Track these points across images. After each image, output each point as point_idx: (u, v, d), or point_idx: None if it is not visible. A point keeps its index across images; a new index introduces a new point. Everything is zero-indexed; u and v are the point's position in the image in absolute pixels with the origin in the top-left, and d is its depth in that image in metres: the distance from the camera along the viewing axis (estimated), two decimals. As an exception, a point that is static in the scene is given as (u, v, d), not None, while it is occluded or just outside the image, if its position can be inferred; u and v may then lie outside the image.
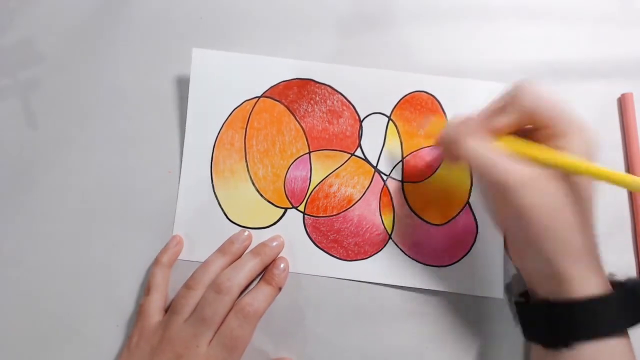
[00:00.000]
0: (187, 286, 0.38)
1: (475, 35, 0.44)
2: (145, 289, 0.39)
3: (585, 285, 0.31)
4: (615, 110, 0.43)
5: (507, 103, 0.33)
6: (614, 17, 0.45)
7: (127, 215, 0.42)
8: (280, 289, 0.39)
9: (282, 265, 0.39)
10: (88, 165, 0.42)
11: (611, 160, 0.42)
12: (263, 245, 0.40)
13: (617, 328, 0.32)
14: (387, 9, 0.44)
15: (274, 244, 0.40)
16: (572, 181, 0.31)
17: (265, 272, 0.40)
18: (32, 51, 0.44)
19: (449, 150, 0.35)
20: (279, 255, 0.40)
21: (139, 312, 0.38)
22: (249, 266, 0.38)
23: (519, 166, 0.32)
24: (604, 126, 0.43)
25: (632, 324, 0.32)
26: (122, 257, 0.41)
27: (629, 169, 0.42)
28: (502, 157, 0.32)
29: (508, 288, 0.40)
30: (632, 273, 0.41)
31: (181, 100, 0.43)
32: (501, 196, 0.32)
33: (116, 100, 0.43)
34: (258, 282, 0.39)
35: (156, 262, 0.40)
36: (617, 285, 0.33)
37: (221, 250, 0.40)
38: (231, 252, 0.40)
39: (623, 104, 0.43)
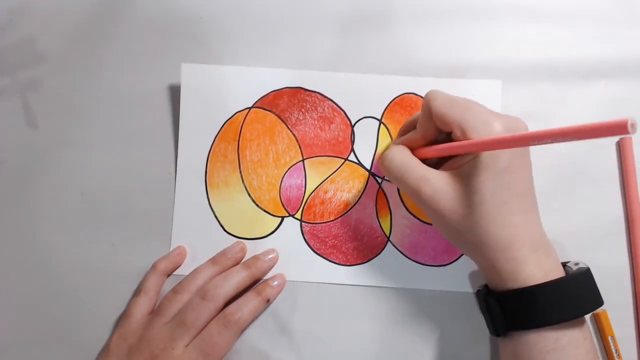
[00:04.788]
0: (174, 290, 0.38)
1: (475, 35, 0.44)
2: (136, 290, 0.39)
3: (517, 276, 0.32)
4: (614, 156, 0.43)
5: (419, 115, 0.34)
6: (614, 17, 0.44)
7: (126, 216, 0.42)
8: (268, 301, 0.39)
9: (276, 282, 0.39)
10: (88, 165, 0.43)
11: (611, 202, 0.42)
12: (256, 258, 0.40)
13: (550, 319, 0.31)
14: (386, 9, 0.45)
15: (268, 257, 0.40)
16: (479, 178, 0.31)
17: (258, 284, 0.40)
18: (32, 51, 0.44)
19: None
20: (278, 273, 0.40)
21: (124, 312, 0.39)
22: (238, 277, 0.38)
23: (432, 173, 0.33)
24: (602, 171, 0.42)
25: (568, 316, 0.31)
26: (121, 257, 0.41)
27: (628, 213, 0.42)
28: (416, 166, 0.34)
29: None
30: (625, 274, 0.41)
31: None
32: (420, 204, 0.34)
33: (116, 100, 0.44)
34: (248, 292, 0.39)
35: (153, 267, 0.40)
36: (567, 274, 0.33)
37: (213, 260, 0.40)
38: (223, 262, 0.40)
39: (622, 148, 0.42)
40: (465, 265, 0.40)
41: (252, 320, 0.39)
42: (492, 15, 0.45)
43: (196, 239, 0.41)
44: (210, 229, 0.41)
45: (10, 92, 0.44)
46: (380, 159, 0.36)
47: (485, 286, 0.37)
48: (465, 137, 0.31)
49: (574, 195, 0.42)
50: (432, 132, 0.34)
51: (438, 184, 0.33)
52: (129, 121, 0.43)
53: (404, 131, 0.39)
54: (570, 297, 0.32)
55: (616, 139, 0.42)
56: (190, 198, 0.41)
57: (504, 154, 0.31)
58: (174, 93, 0.43)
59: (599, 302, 0.33)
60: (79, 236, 0.41)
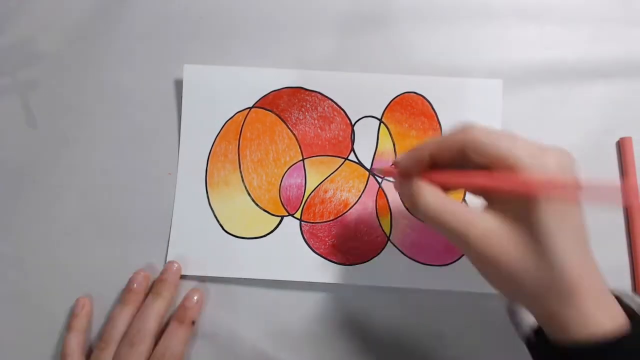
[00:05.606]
0: (98, 347, 0.37)
1: (475, 35, 0.44)
2: (60, 357, 0.38)
3: (586, 325, 0.27)
4: (614, 156, 0.43)
5: (444, 137, 0.30)
6: (614, 17, 0.45)
7: (126, 216, 0.42)
8: (193, 323, 0.39)
9: (195, 298, 0.39)
10: (88, 165, 0.43)
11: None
12: (161, 281, 0.39)
13: None
14: (386, 9, 0.45)
15: (171, 273, 0.40)
16: (543, 215, 0.27)
17: (177, 308, 0.39)
18: (32, 51, 0.45)
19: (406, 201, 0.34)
20: (192, 288, 0.40)
21: None
22: (155, 310, 0.38)
23: (478, 216, 0.29)
24: (602, 171, 0.42)
25: None
26: (121, 257, 0.41)
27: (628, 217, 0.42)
28: (459, 208, 0.29)
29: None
30: (625, 274, 0.40)
31: (181, 101, 0.43)
32: (466, 248, 0.29)
33: (116, 100, 0.44)
34: (170, 321, 0.39)
35: (69, 328, 0.39)
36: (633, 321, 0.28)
37: (122, 301, 0.39)
38: (132, 300, 0.39)
39: (622, 148, 0.42)
40: (466, 265, 0.40)
41: (185, 348, 0.38)
42: (492, 15, 0.45)
43: (196, 239, 0.41)
44: (209, 228, 0.41)
45: (10, 92, 0.44)
46: (410, 202, 0.31)
47: (536, 332, 0.32)
48: (511, 172, 0.27)
49: (574, 195, 0.42)
50: (446, 158, 0.30)
51: (489, 223, 0.28)
52: (128, 121, 0.43)
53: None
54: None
55: (616, 138, 0.42)
56: (190, 198, 0.41)
57: (580, 208, 0.28)
58: (174, 93, 0.43)
59: None
60: (79, 236, 0.41)
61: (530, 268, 0.28)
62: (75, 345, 0.38)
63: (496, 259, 0.28)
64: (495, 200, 0.30)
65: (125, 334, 0.37)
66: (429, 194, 0.30)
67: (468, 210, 0.29)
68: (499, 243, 0.28)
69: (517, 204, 0.28)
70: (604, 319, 0.27)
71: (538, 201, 0.27)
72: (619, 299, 0.30)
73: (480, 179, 0.29)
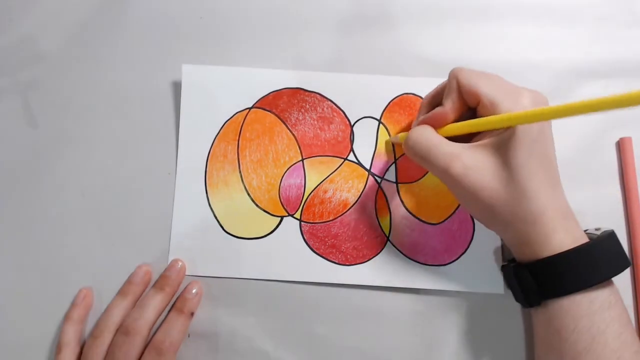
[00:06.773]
0: (93, 336, 0.37)
1: (474, 36, 0.44)
2: (57, 347, 0.38)
3: (549, 245, 0.32)
4: (614, 156, 0.43)
5: (445, 88, 0.35)
6: (614, 17, 0.45)
7: (126, 216, 0.42)
8: (192, 314, 0.39)
9: (194, 290, 0.39)
10: (88, 165, 0.42)
11: (611, 202, 0.42)
12: (164, 277, 0.39)
13: (583, 283, 0.32)
14: (385, 10, 0.45)
15: (175, 271, 0.40)
16: (513, 149, 0.31)
17: (176, 299, 0.39)
18: (32, 51, 0.45)
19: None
20: (192, 280, 0.40)
21: None
22: (155, 302, 0.38)
23: (461, 149, 0.33)
24: (602, 171, 0.43)
25: (600, 278, 0.32)
26: (121, 257, 0.41)
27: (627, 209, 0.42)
28: (443, 143, 0.33)
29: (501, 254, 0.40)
30: (625, 274, 0.40)
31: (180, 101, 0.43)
32: (449, 182, 0.34)
33: (116, 100, 0.44)
34: (169, 311, 0.39)
35: (66, 318, 0.39)
36: (591, 239, 0.33)
37: (121, 292, 0.39)
38: (132, 292, 0.39)
39: (622, 148, 0.42)
40: (465, 265, 0.40)
41: (184, 339, 0.38)
42: (492, 15, 0.45)
43: (196, 239, 0.41)
44: (209, 228, 0.41)
45: (10, 92, 0.44)
46: (403, 141, 0.36)
47: (511, 261, 0.37)
48: (494, 109, 0.31)
49: (574, 194, 0.42)
50: (459, 106, 0.34)
51: (469, 160, 0.32)
52: (129, 121, 0.43)
53: (425, 110, 0.38)
54: (600, 260, 0.32)
55: (616, 138, 0.42)
56: (190, 198, 0.41)
57: (536, 125, 0.31)
58: (174, 93, 0.44)
59: (627, 262, 0.33)
60: (79, 236, 0.41)
61: (503, 197, 0.32)
62: (72, 335, 0.38)
63: (476, 190, 0.32)
64: (478, 139, 0.34)
65: (123, 323, 0.37)
66: (419, 131, 0.35)
67: (452, 146, 0.33)
68: (479, 174, 0.32)
69: (496, 141, 0.32)
70: (566, 239, 0.32)
71: (513, 139, 0.31)
72: (586, 231, 0.35)
73: (465, 125, 0.33)
